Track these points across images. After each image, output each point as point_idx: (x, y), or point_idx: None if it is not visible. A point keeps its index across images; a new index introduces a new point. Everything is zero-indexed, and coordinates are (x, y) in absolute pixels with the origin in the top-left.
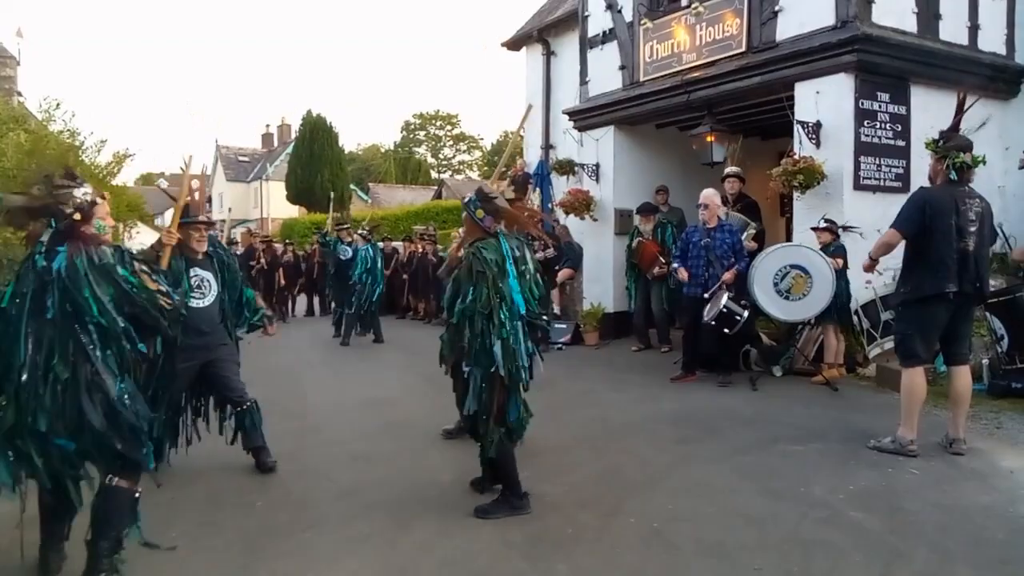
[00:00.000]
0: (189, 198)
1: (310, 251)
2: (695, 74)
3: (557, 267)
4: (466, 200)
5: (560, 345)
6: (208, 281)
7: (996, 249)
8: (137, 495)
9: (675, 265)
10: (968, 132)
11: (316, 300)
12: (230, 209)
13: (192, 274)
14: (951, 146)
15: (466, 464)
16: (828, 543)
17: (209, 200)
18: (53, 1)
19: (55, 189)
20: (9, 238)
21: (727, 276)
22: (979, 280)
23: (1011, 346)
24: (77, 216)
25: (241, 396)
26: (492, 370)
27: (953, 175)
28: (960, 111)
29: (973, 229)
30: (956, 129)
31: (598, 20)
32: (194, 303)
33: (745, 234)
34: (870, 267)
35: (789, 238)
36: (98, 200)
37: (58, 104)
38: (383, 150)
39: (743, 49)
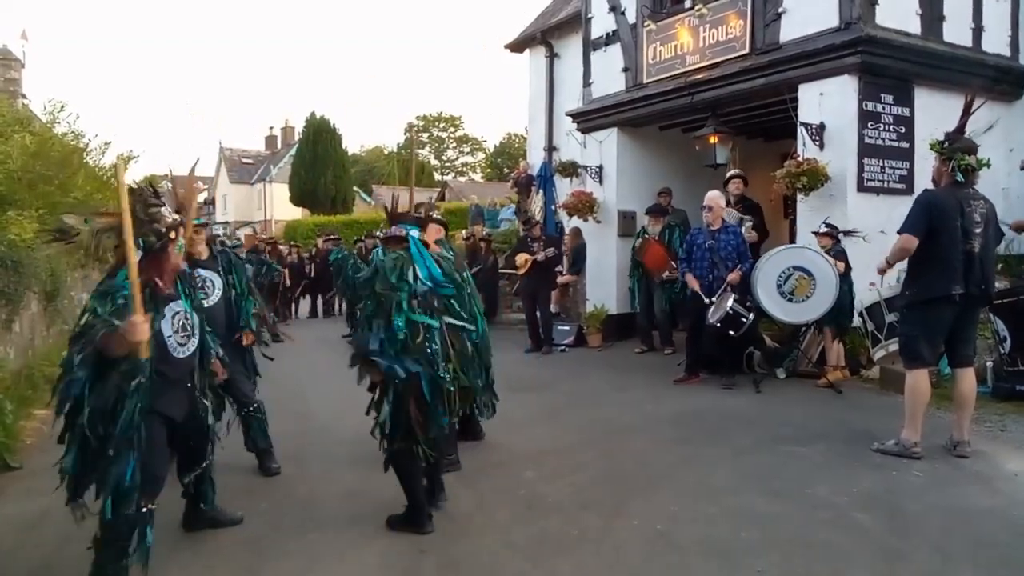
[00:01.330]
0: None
1: (314, 253)
2: (699, 76)
3: (558, 268)
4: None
5: (563, 347)
6: (212, 281)
7: (1000, 250)
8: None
9: (683, 268)
10: (975, 134)
11: (320, 302)
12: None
13: (197, 274)
14: (956, 148)
15: (468, 466)
16: (831, 544)
17: (212, 202)
18: (55, 2)
19: (149, 207)
20: (14, 240)
21: (732, 277)
22: (985, 282)
23: (1013, 348)
24: (172, 235)
25: (247, 396)
26: None
27: (960, 176)
28: (967, 113)
29: (979, 231)
30: (962, 131)
31: (601, 22)
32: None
33: (744, 227)
34: (885, 270)
35: (793, 240)
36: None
37: (62, 106)
38: (386, 152)
39: (747, 51)
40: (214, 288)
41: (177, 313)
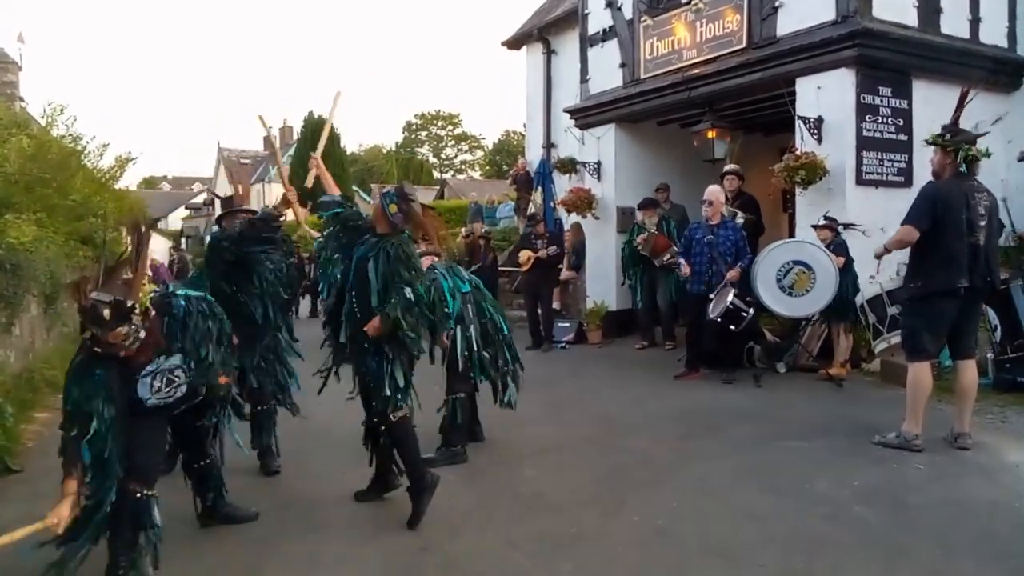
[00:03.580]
0: (235, 190)
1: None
2: (696, 71)
3: (561, 265)
4: (384, 191)
5: (564, 344)
6: None
7: (1001, 242)
8: (151, 495)
9: (680, 261)
10: (981, 127)
11: (319, 302)
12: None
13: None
14: (960, 139)
15: (469, 464)
16: (832, 539)
17: (212, 203)
18: (53, 2)
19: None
20: (12, 243)
21: (732, 273)
22: (990, 274)
23: (1004, 336)
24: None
25: (263, 396)
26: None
27: (964, 168)
28: (961, 105)
29: (983, 223)
30: (956, 123)
31: (598, 18)
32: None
33: (738, 219)
34: (881, 255)
35: (792, 234)
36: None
37: (61, 109)
38: (385, 151)
39: (744, 45)
40: None
41: (159, 373)
